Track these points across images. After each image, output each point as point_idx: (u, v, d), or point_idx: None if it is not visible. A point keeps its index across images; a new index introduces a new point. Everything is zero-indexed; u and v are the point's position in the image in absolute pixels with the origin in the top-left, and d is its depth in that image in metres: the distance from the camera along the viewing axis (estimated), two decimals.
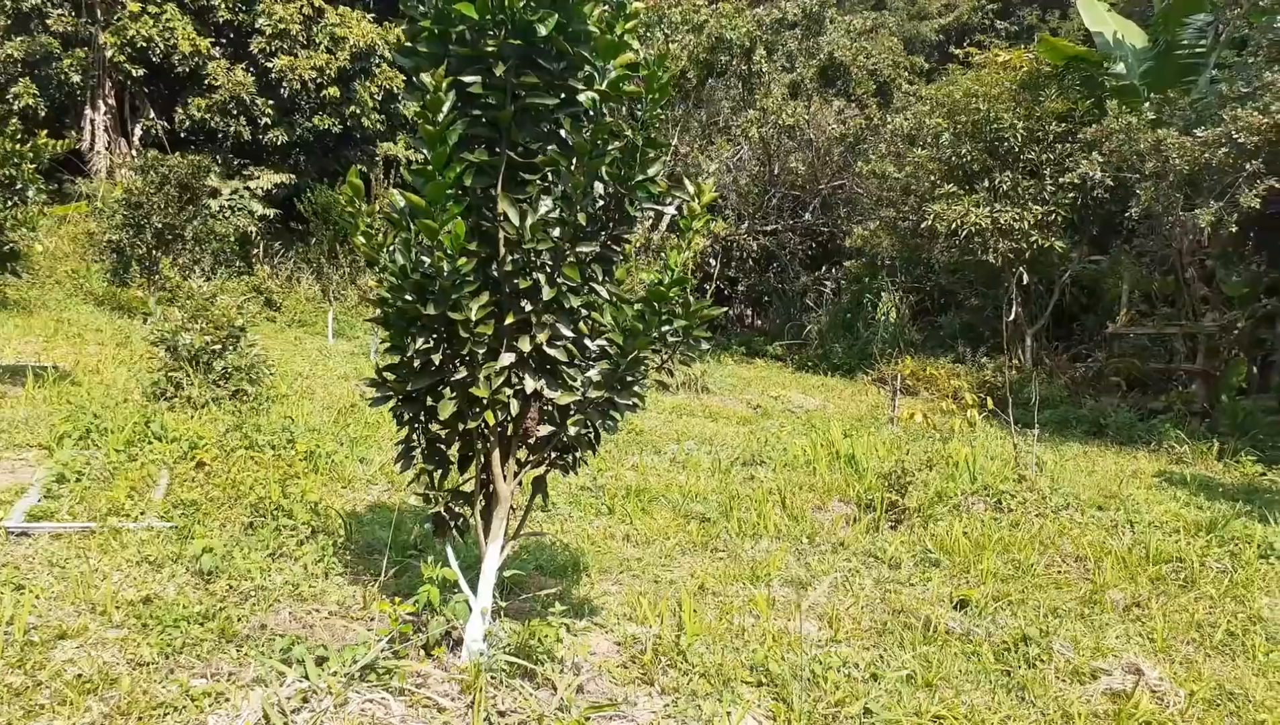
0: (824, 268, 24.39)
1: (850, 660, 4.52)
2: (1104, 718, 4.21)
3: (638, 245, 17.94)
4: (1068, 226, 15.65)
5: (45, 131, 13.43)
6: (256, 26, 21.12)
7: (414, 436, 4.09)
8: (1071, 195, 14.96)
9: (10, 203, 8.48)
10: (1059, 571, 6.43)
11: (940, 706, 4.09)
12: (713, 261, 22.84)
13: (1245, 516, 8.14)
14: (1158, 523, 7.81)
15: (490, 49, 3.59)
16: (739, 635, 4.70)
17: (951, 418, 11.86)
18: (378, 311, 3.88)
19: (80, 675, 3.55)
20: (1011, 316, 16.08)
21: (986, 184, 15.90)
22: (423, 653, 3.86)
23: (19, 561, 4.74)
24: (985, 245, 15.66)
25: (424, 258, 3.58)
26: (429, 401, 3.94)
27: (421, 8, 3.70)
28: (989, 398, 11.79)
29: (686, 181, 3.92)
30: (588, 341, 4.03)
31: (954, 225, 15.60)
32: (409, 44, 3.81)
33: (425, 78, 3.46)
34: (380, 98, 22.14)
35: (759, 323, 26.07)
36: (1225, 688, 4.66)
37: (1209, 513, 8.17)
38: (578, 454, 4.27)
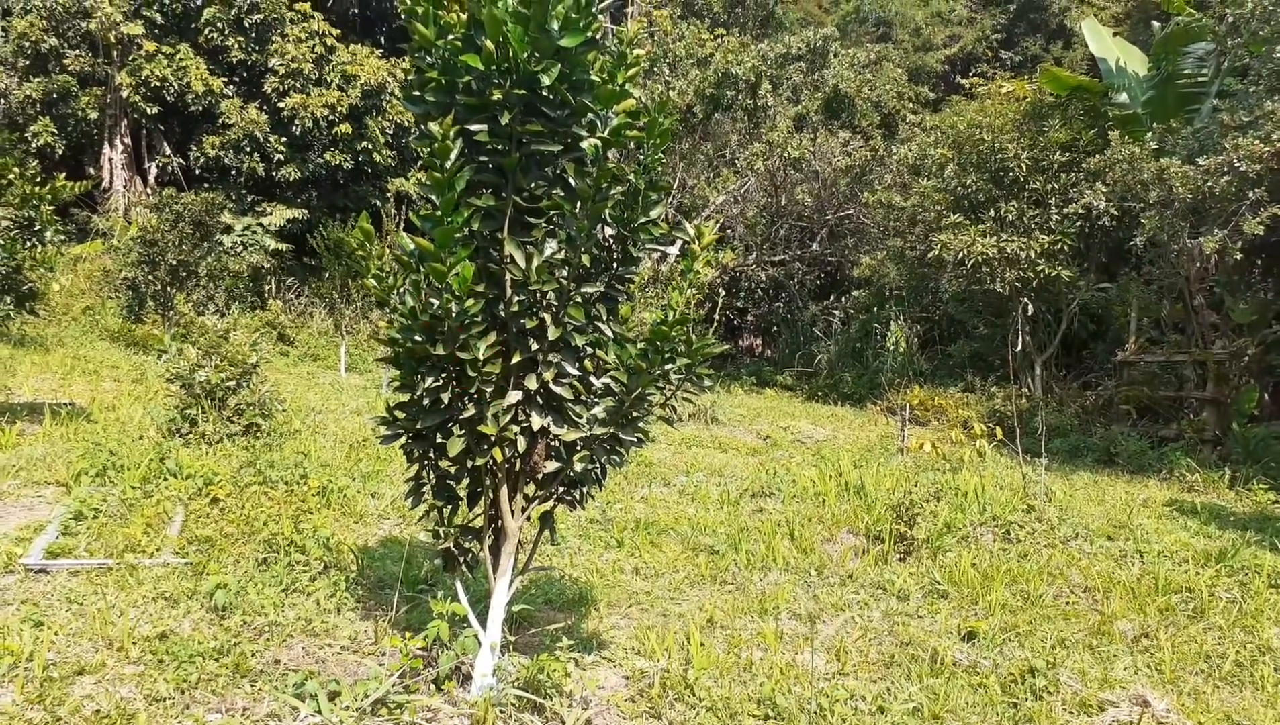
0: (832, 297, 24.49)
1: (857, 693, 4.56)
2: None
3: (648, 277, 18.09)
4: (1074, 255, 15.71)
5: (63, 170, 13.71)
6: (269, 66, 21.50)
7: (424, 473, 4.17)
8: (1077, 224, 15.04)
9: (30, 244, 8.65)
10: (1067, 602, 6.43)
11: None
12: (721, 292, 22.97)
13: (1256, 545, 8.13)
14: (1167, 552, 7.80)
15: (496, 98, 3.70)
16: (746, 669, 4.73)
17: (961, 448, 11.89)
18: (389, 351, 3.98)
19: (98, 711, 3.62)
20: (1019, 347, 16.09)
21: (992, 214, 15.99)
22: (433, 687, 3.92)
23: (38, 598, 4.82)
24: (992, 274, 15.73)
25: (433, 299, 3.68)
26: (438, 438, 4.01)
27: (429, 58, 3.82)
28: (998, 427, 11.80)
29: (687, 225, 4.02)
30: (593, 379, 4.11)
31: (960, 255, 15.68)
32: (417, 92, 3.93)
33: (434, 126, 3.57)
34: (391, 133, 22.46)
35: (768, 352, 26.16)
36: (1233, 719, 4.67)
37: (1219, 542, 8.16)
38: (584, 489, 4.34)
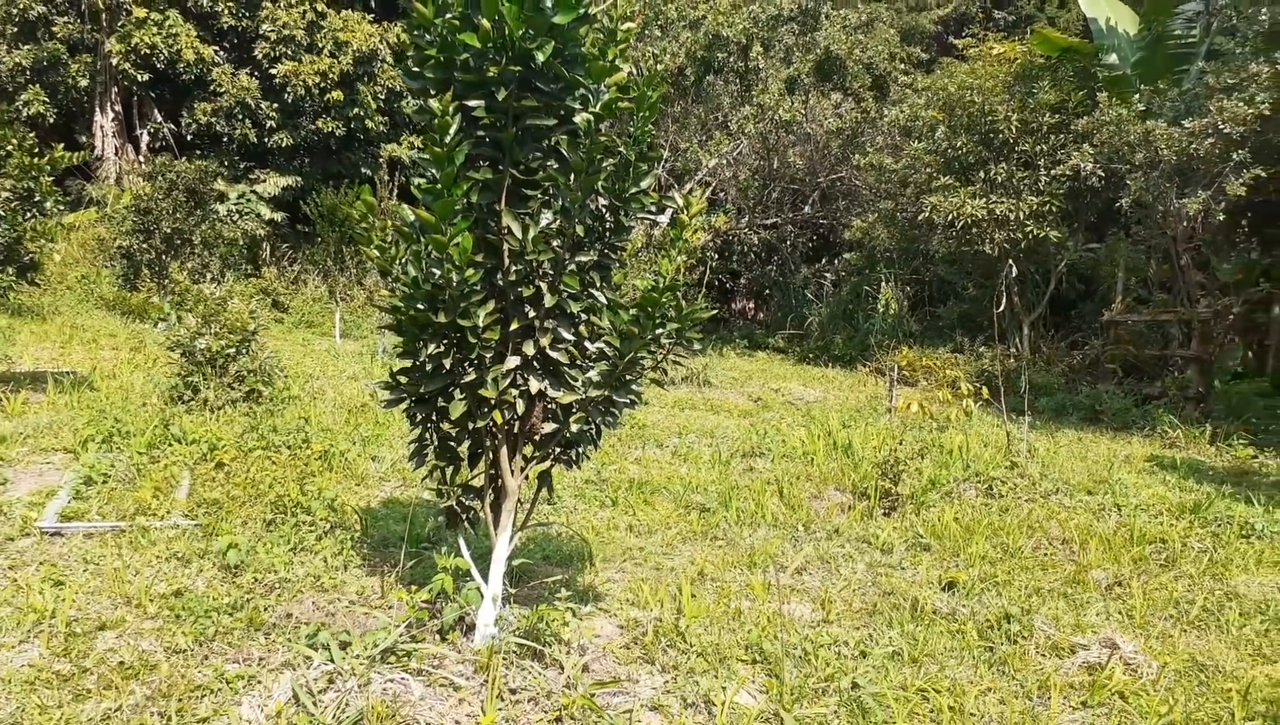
0: (824, 260, 24.64)
1: (840, 639, 4.79)
2: (1079, 689, 4.46)
3: (640, 244, 18.18)
4: (1063, 216, 15.88)
5: (56, 138, 13.72)
6: (260, 32, 21.39)
7: (427, 435, 4.36)
8: (1066, 186, 15.19)
9: (30, 215, 8.76)
10: (1045, 554, 6.68)
11: (924, 680, 4.36)
12: (713, 255, 23.08)
13: (1231, 498, 8.40)
14: (1144, 506, 8.06)
15: (492, 74, 3.85)
16: (735, 617, 4.97)
17: (948, 407, 12.13)
18: (390, 319, 4.15)
19: (122, 662, 3.83)
20: (1002, 307, 16.29)
21: (982, 175, 16.13)
22: (438, 637, 4.14)
23: (55, 559, 5.03)
24: (982, 236, 15.91)
25: (434, 269, 3.84)
26: (440, 402, 4.20)
27: (428, 36, 3.96)
28: (985, 387, 12.04)
29: (677, 194, 4.18)
30: (588, 344, 4.29)
31: (950, 217, 15.85)
32: (416, 68, 4.07)
33: (433, 103, 3.72)
34: (383, 99, 22.41)
35: (760, 315, 26.34)
36: (1198, 660, 4.91)
37: (1195, 495, 8.42)
38: (580, 450, 4.54)
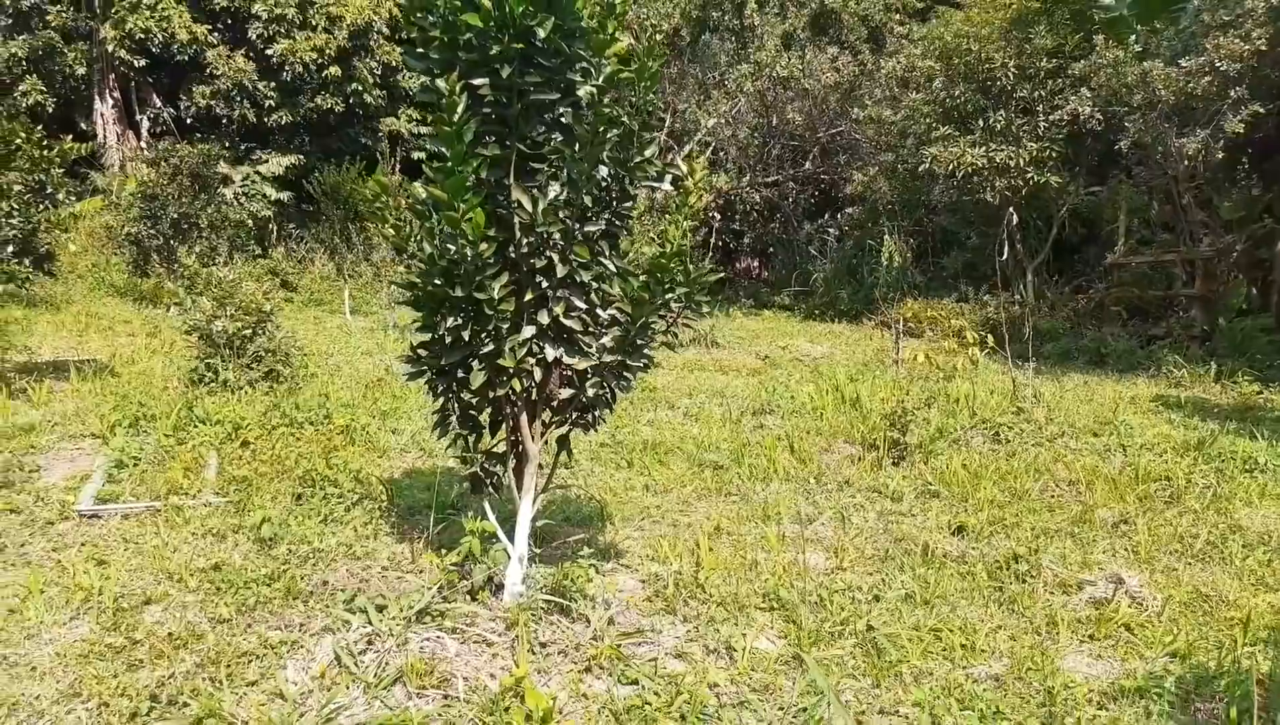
0: (826, 216, 24.64)
1: (854, 585, 4.98)
2: (1086, 623, 4.64)
3: (644, 207, 18.22)
4: (1063, 161, 15.88)
5: (56, 127, 13.79)
6: (253, 12, 21.32)
7: (449, 405, 4.52)
8: (1065, 130, 15.18)
9: (43, 207, 8.90)
10: (1052, 496, 6.85)
11: (936, 620, 4.54)
12: (716, 216, 23.11)
13: (1235, 434, 8.55)
14: (1149, 445, 8.21)
15: (495, 52, 3.96)
16: (752, 568, 5.15)
17: (954, 357, 12.26)
18: (408, 295, 4.30)
19: (170, 633, 4.02)
20: (1004, 256, 16.35)
21: (981, 124, 16.12)
22: (469, 597, 4.34)
23: (96, 540, 5.23)
24: (983, 184, 15.93)
25: (449, 245, 3.98)
26: (460, 373, 4.36)
27: (430, 18, 4.06)
28: (991, 335, 12.15)
29: (680, 163, 4.30)
30: (600, 311, 4.44)
31: (951, 166, 15.88)
32: (420, 50, 4.18)
33: (440, 83, 3.83)
34: (380, 73, 22.36)
35: (765, 274, 26.39)
36: (1201, 591, 5.08)
37: (1199, 433, 8.57)
38: (597, 413, 4.70)
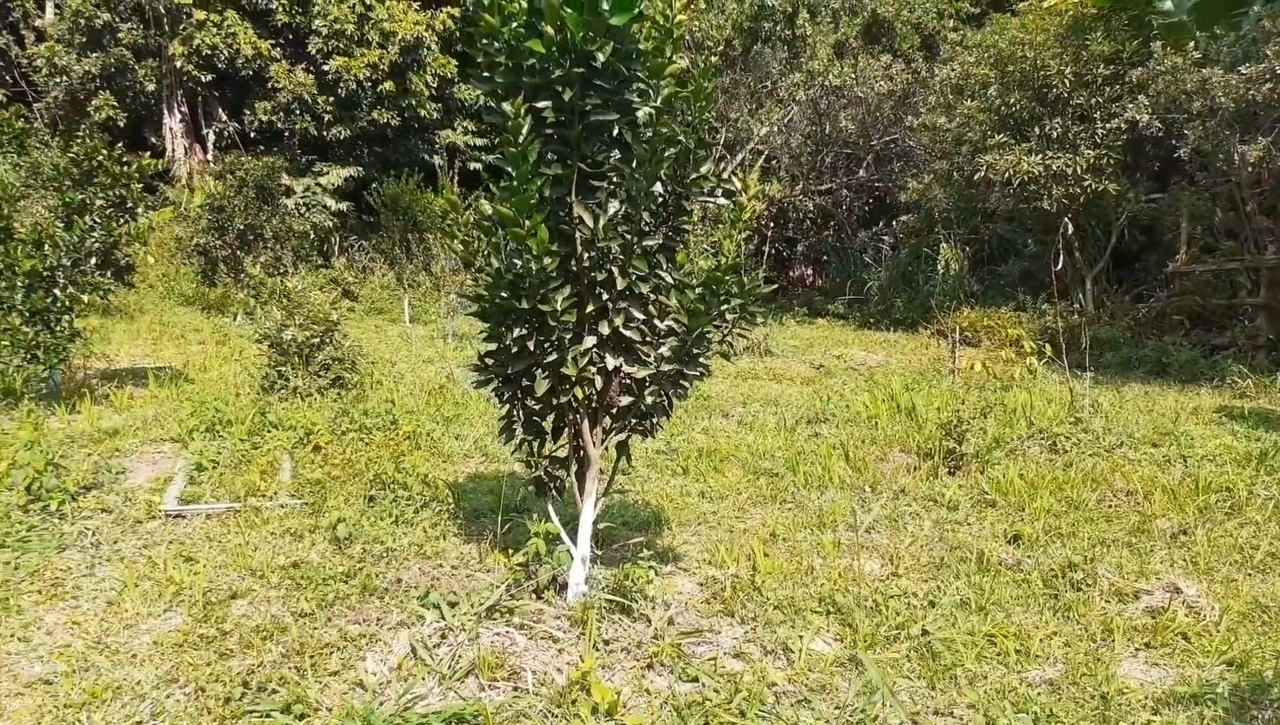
0: (881, 223, 24.56)
1: (909, 591, 5.06)
2: (1142, 631, 4.67)
3: (697, 216, 18.36)
4: (1122, 168, 15.69)
5: (126, 141, 14.35)
6: (313, 28, 21.95)
7: (514, 412, 4.72)
8: (1123, 137, 15.01)
9: (123, 221, 9.33)
10: (1109, 506, 6.83)
11: (991, 626, 4.61)
12: (769, 224, 23.16)
13: None
14: (1210, 456, 8.12)
15: (557, 75, 4.15)
16: (808, 573, 5.26)
17: (1011, 366, 12.20)
18: (476, 307, 4.51)
19: (256, 626, 4.26)
20: (1059, 266, 16.18)
21: (1037, 131, 16.00)
22: (534, 596, 4.52)
23: (182, 538, 5.52)
24: (1040, 192, 15.81)
25: (515, 260, 4.18)
26: (525, 381, 4.56)
27: (495, 44, 4.27)
28: (1048, 344, 12.07)
29: (735, 178, 4.45)
30: (657, 322, 4.61)
31: (1007, 174, 15.78)
32: (485, 73, 4.39)
33: (505, 106, 4.03)
34: (435, 86, 22.86)
35: (819, 282, 26.35)
36: (1260, 602, 5.07)
37: (1262, 444, 8.45)
38: (654, 420, 4.87)
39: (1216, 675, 4.16)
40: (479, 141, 22.78)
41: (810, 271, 27.18)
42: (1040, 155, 15.53)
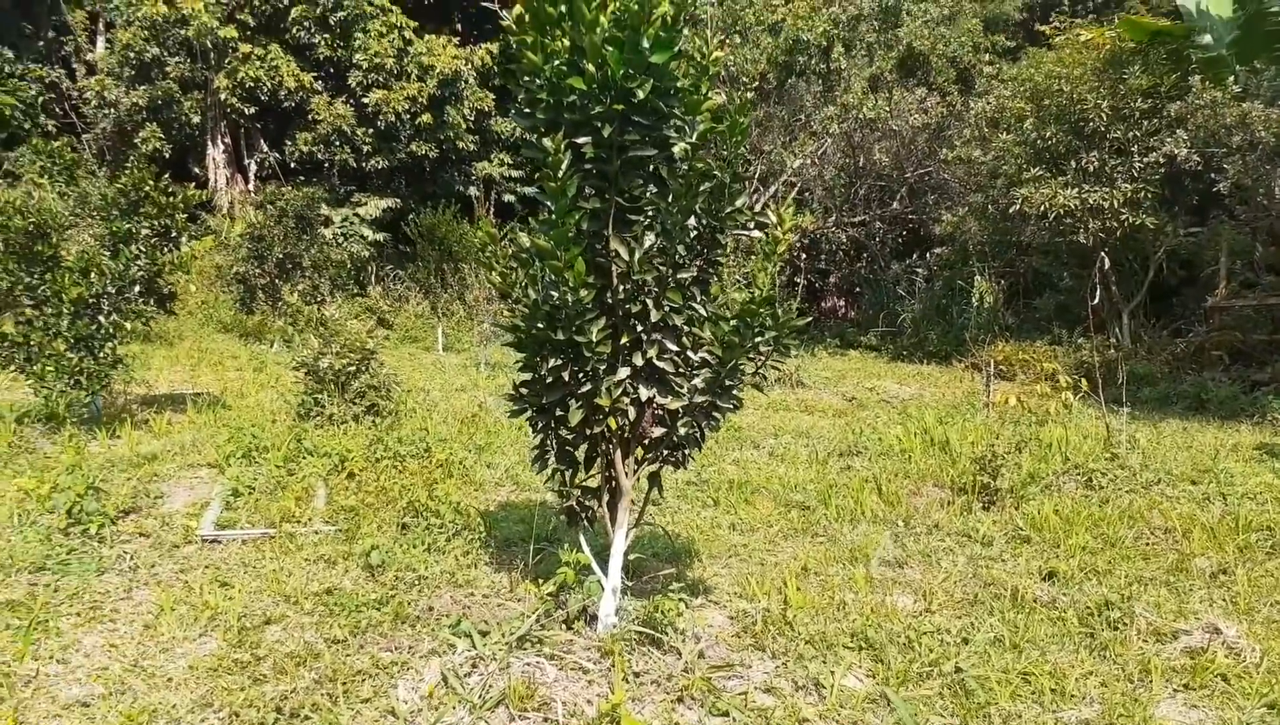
0: (914, 255, 24.47)
1: (943, 627, 5.01)
2: (1180, 672, 4.59)
3: (730, 247, 18.43)
4: (1160, 202, 15.56)
5: (171, 171, 14.68)
6: (354, 61, 22.41)
7: (548, 441, 4.76)
8: (1161, 171, 14.90)
9: (167, 250, 9.54)
10: (1147, 543, 6.73)
11: (1025, 664, 4.55)
12: (802, 256, 23.16)
13: None
14: (1251, 494, 7.98)
15: (597, 112, 4.22)
16: (840, 608, 5.23)
17: (1046, 400, 12.07)
18: (512, 337, 4.56)
19: (290, 652, 4.31)
20: (1095, 300, 16.02)
21: (1073, 165, 15.92)
22: (564, 626, 4.53)
23: (218, 563, 5.59)
24: (1076, 226, 15.71)
25: (551, 292, 4.23)
26: (559, 411, 4.60)
27: (537, 81, 4.35)
28: (1084, 379, 11.93)
29: (770, 212, 4.49)
30: (691, 353, 4.64)
31: (1043, 207, 15.71)
32: (527, 109, 4.48)
33: (546, 142, 4.10)
34: (472, 119, 23.21)
35: (851, 314, 26.27)
36: None
37: None
38: (687, 451, 4.89)
39: (1257, 719, 4.07)
40: (515, 173, 23.09)
41: (843, 303, 27.12)
42: (1076, 188, 15.45)
